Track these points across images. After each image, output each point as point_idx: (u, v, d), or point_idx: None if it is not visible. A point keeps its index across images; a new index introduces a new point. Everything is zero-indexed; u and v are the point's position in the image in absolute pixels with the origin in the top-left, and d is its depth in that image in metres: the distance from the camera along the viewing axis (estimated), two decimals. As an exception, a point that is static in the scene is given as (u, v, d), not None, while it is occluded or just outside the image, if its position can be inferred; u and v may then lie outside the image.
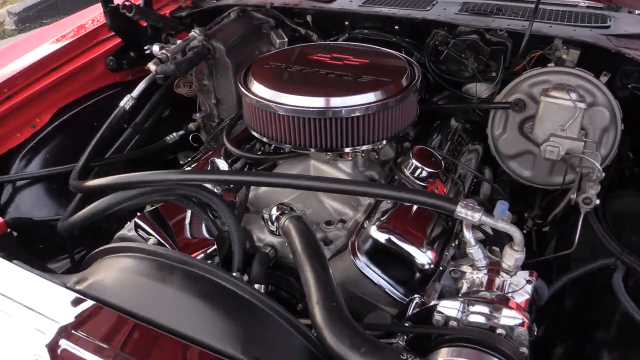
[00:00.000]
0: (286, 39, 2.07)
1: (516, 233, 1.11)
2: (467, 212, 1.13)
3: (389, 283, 1.33)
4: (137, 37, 2.09)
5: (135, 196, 1.38)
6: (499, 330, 1.00)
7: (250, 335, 0.95)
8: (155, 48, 1.98)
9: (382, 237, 1.31)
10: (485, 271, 1.17)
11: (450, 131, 1.79)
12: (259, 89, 1.48)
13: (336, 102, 1.39)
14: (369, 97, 1.40)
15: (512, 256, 1.13)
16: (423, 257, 1.28)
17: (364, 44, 1.81)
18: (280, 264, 1.44)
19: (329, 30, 2.09)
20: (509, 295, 1.10)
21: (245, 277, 1.34)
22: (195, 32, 2.03)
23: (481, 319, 1.02)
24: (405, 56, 1.65)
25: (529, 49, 1.74)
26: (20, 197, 1.73)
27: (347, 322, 0.97)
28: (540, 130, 1.44)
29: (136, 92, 1.91)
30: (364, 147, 1.45)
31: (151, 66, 1.85)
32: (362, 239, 1.35)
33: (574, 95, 1.41)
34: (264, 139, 1.53)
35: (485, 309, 1.04)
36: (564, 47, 1.69)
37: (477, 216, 1.12)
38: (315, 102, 1.40)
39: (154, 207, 1.42)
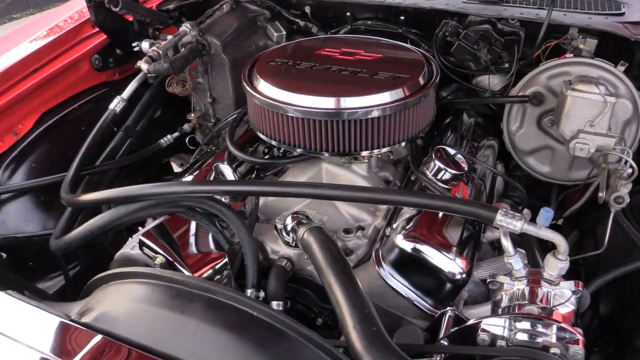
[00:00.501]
0: (284, 32, 1.96)
1: (561, 242, 1.04)
2: (508, 221, 1.05)
3: (416, 295, 1.24)
4: (124, 33, 1.94)
5: (138, 210, 1.27)
6: (553, 350, 0.92)
7: None
8: (145, 45, 1.85)
9: (409, 247, 1.22)
10: (525, 282, 1.09)
11: (463, 127, 1.71)
12: (268, 89, 1.37)
13: (353, 102, 1.29)
14: (388, 97, 1.30)
15: (557, 265, 1.05)
16: (454, 266, 1.20)
17: (371, 36, 1.71)
18: (295, 276, 1.35)
19: (329, 22, 1.98)
20: (554, 308, 1.03)
21: (262, 294, 1.25)
22: (186, 27, 1.90)
23: (532, 338, 0.95)
24: (420, 50, 1.55)
25: (544, 38, 1.66)
26: (5, 212, 1.59)
27: (391, 350, 0.88)
28: (567, 126, 1.36)
29: (127, 93, 1.78)
30: (384, 150, 1.35)
31: (143, 65, 1.71)
32: (386, 248, 1.26)
33: (602, 89, 1.33)
34: (273, 142, 1.42)
35: (535, 326, 0.96)
36: (580, 37, 1.62)
37: (519, 225, 1.05)
38: (330, 102, 1.30)
39: (158, 222, 1.31)
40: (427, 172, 1.36)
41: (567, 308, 1.05)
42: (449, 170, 1.33)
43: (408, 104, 1.31)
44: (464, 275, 1.21)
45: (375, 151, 1.35)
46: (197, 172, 1.49)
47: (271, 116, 1.37)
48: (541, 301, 1.05)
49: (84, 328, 0.92)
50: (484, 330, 0.99)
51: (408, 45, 1.56)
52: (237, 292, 0.93)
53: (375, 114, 1.29)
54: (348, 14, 1.91)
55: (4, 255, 1.35)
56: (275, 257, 1.35)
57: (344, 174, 1.46)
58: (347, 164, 1.45)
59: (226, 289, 0.94)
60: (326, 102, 1.30)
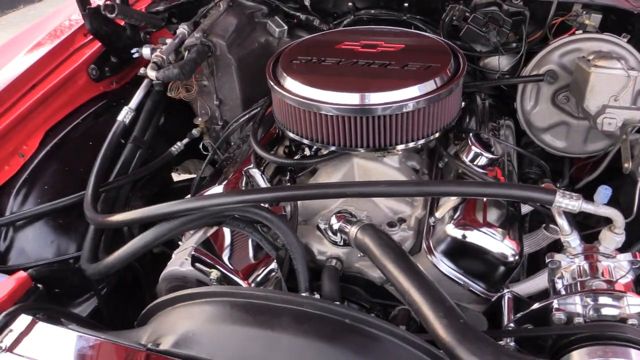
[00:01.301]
0: (285, 27, 1.92)
1: (619, 217, 1.08)
2: (566, 202, 1.08)
3: (471, 280, 1.27)
4: (118, 40, 1.86)
5: (181, 225, 1.24)
6: (630, 321, 0.96)
7: None
8: (146, 51, 1.78)
9: (461, 235, 1.24)
10: (582, 258, 1.13)
11: (480, 110, 1.73)
12: (298, 87, 1.35)
13: (388, 97, 1.28)
14: (422, 89, 1.30)
15: (614, 239, 1.09)
16: (506, 249, 1.23)
17: (382, 26, 1.70)
18: (342, 275, 1.35)
19: (329, 13, 1.96)
20: (617, 280, 1.07)
21: (317, 296, 1.24)
22: (184, 29, 1.84)
23: (609, 311, 0.98)
24: (438, 37, 1.56)
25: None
26: (23, 238, 1.51)
27: (484, 340, 0.89)
28: (592, 102, 1.40)
29: (134, 102, 1.71)
30: (420, 142, 1.36)
31: (150, 72, 1.65)
32: (437, 238, 1.28)
33: (623, 64, 1.38)
34: (305, 141, 1.40)
35: (608, 300, 1.00)
36: (585, 12, 1.66)
37: (577, 204, 1.07)
38: (365, 98, 1.29)
39: (202, 235, 1.27)
40: (465, 159, 1.37)
41: (626, 279, 1.09)
42: (487, 155, 1.34)
43: (442, 95, 1.31)
44: (516, 257, 1.23)
45: (411, 144, 1.35)
46: (226, 180, 1.45)
47: (303, 115, 1.35)
48: (603, 275, 1.08)
49: (167, 356, 0.89)
50: (558, 309, 1.02)
51: (425, 33, 1.56)
52: (324, 301, 0.92)
53: (410, 107, 1.29)
54: (350, 4, 1.89)
55: (41, 286, 1.28)
56: (322, 258, 1.34)
57: (376, 167, 1.45)
58: (379, 158, 1.45)
59: (313, 299, 0.93)
60: (361, 98, 1.29)
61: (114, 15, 1.71)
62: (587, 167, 1.79)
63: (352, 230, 1.21)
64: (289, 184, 1.46)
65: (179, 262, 1.23)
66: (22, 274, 1.22)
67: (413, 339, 0.89)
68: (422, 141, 1.36)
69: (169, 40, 1.81)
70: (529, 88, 1.67)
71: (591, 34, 1.58)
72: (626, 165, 1.40)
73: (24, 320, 0.99)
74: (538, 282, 1.31)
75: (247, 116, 1.82)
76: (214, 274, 1.17)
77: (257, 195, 1.19)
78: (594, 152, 1.67)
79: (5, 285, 1.18)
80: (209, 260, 1.18)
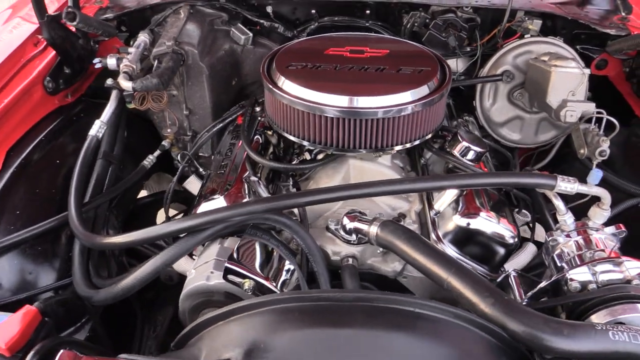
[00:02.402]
0: (250, 34, 1.91)
1: (607, 195, 1.24)
2: (565, 185, 1.22)
3: (476, 264, 1.38)
4: (73, 50, 1.73)
5: (206, 239, 1.21)
6: (635, 282, 1.12)
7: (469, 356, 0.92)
8: (112, 61, 1.68)
9: (467, 224, 1.34)
10: (575, 234, 1.28)
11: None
12: (302, 92, 1.37)
13: (389, 100, 1.35)
14: (421, 92, 1.39)
15: (602, 214, 1.26)
16: (507, 232, 1.35)
17: (353, 32, 1.78)
18: (354, 272, 1.40)
19: (292, 20, 1.99)
20: (612, 249, 1.23)
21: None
22: (144, 37, 1.77)
23: (614, 276, 1.13)
24: (413, 42, 1.66)
25: (496, 22, 1.89)
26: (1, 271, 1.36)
27: (531, 312, 0.99)
28: (554, 97, 1.59)
29: (105, 115, 1.61)
30: (416, 143, 1.44)
31: (124, 83, 1.57)
32: (444, 229, 1.37)
33: (577, 63, 1.58)
34: (304, 143, 1.43)
35: (610, 266, 1.15)
36: (527, 19, 1.86)
37: (575, 186, 1.22)
38: (367, 101, 1.35)
39: (226, 244, 1.24)
40: (455, 153, 1.48)
41: (616, 248, 1.25)
42: (476, 148, 1.47)
43: (435, 99, 1.41)
44: (516, 239, 1.37)
45: (408, 145, 1.44)
46: (227, 191, 1.42)
47: (306, 117, 1.38)
48: (597, 246, 1.24)
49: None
50: (572, 280, 1.15)
51: (401, 39, 1.66)
52: (391, 294, 0.96)
53: (409, 110, 1.37)
54: (313, 11, 1.94)
55: (48, 319, 1.17)
56: (337, 258, 1.38)
57: (371, 167, 1.51)
58: (374, 158, 1.51)
59: (380, 293, 0.96)
60: (363, 102, 1.35)
61: (74, 23, 1.60)
62: (532, 157, 2.02)
63: (372, 228, 1.26)
64: (293, 188, 1.47)
65: (205, 277, 1.19)
66: (29, 308, 1.10)
67: (477, 319, 0.96)
68: (417, 142, 1.45)
69: (131, 50, 1.72)
70: (487, 87, 1.84)
71: (539, 37, 1.78)
72: (582, 151, 1.60)
73: (66, 356, 0.91)
74: (520, 260, 1.46)
75: (220, 125, 1.79)
76: (248, 283, 1.16)
77: (287, 201, 1.19)
78: (544, 142, 1.89)
79: (14, 322, 1.07)
80: (242, 271, 1.16)
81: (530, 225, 1.62)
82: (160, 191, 2.05)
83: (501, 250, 1.37)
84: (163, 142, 1.84)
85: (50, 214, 1.44)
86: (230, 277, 1.16)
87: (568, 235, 1.28)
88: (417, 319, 0.94)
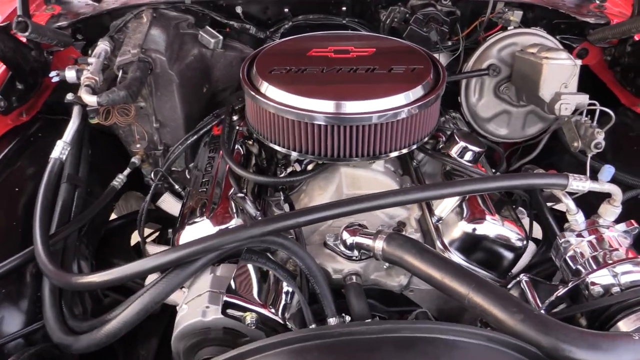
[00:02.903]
0: (220, 37, 1.78)
1: (618, 192, 1.19)
2: (577, 184, 1.16)
3: (484, 271, 1.30)
4: (25, 63, 1.56)
5: (195, 272, 1.08)
6: (659, 283, 1.07)
7: None
8: (71, 74, 1.51)
9: (474, 230, 1.27)
10: (586, 233, 1.23)
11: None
12: (289, 99, 1.26)
13: (388, 103, 1.26)
14: (418, 92, 1.30)
15: (614, 211, 1.21)
16: (515, 236, 1.29)
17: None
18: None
19: (264, 21, 1.87)
20: (625, 248, 1.18)
21: (348, 318, 1.17)
22: (105, 45, 1.62)
23: (637, 277, 1.08)
24: (398, 39, 1.57)
25: (476, 15, 1.83)
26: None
27: (564, 325, 0.92)
28: (546, 90, 1.53)
29: (68, 135, 1.45)
30: (413, 148, 1.36)
31: (88, 98, 1.41)
32: (450, 236, 1.29)
33: (568, 54, 1.54)
34: (293, 153, 1.33)
35: (631, 267, 1.10)
36: (508, 10, 1.81)
37: (587, 185, 1.17)
38: (362, 106, 1.25)
39: (220, 277, 1.12)
40: (453, 155, 1.40)
41: (629, 245, 1.21)
42: (475, 148, 1.40)
43: (432, 100, 1.32)
44: (524, 242, 1.30)
45: (405, 150, 1.35)
46: (212, 211, 1.30)
47: (294, 126, 1.27)
48: (611, 245, 1.19)
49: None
50: (594, 284, 1.09)
51: (386, 36, 1.57)
52: (420, 322, 0.87)
53: (405, 114, 1.28)
54: (286, 10, 1.82)
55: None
56: (339, 276, 1.28)
57: (364, 174, 1.42)
58: (368, 164, 1.42)
59: (408, 323, 0.87)
60: (356, 107, 1.25)
61: (26, 34, 1.43)
62: (518, 151, 1.97)
63: (378, 243, 1.17)
64: (285, 203, 1.36)
65: (199, 313, 1.07)
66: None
67: (511, 341, 0.88)
68: (414, 146, 1.36)
69: (91, 60, 1.56)
70: (472, 82, 1.77)
71: (523, 29, 1.73)
72: (575, 144, 1.56)
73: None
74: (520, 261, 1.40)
75: (195, 137, 1.66)
76: (249, 317, 1.04)
77: (288, 221, 1.07)
78: (532, 135, 1.84)
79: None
80: (242, 304, 1.04)
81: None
82: (131, 212, 1.89)
83: (510, 255, 1.30)
84: (133, 159, 1.69)
85: (12, 249, 1.28)
86: (230, 311, 1.03)
87: (580, 235, 1.23)
88: (451, 347, 0.85)
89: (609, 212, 1.21)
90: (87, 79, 1.46)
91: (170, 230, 1.76)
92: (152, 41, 1.62)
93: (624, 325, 1.03)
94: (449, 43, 1.83)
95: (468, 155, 1.41)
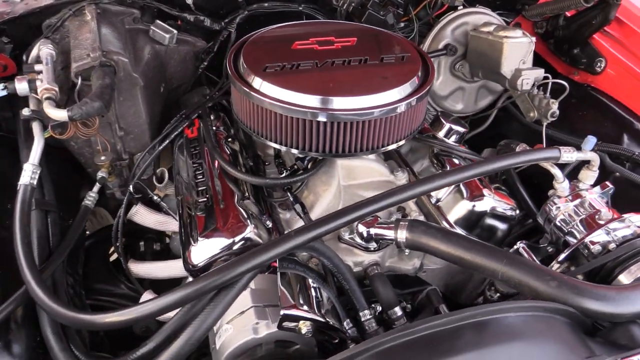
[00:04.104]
0: (175, 32, 1.65)
1: (597, 157, 1.33)
2: (567, 155, 1.28)
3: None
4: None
5: (239, 293, 1.03)
6: (642, 235, 1.23)
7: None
8: (22, 86, 1.32)
9: (476, 207, 1.35)
10: (571, 198, 1.36)
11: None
12: (294, 97, 1.23)
13: (384, 98, 1.27)
14: (414, 83, 1.33)
15: (593, 176, 1.35)
16: (509, 207, 1.39)
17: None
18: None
19: (215, 11, 1.76)
20: (606, 208, 1.33)
21: (379, 308, 1.21)
22: (49, 49, 1.44)
23: (626, 232, 1.23)
24: (373, 26, 1.58)
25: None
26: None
27: (595, 286, 1.02)
28: (507, 67, 1.64)
29: (35, 156, 1.29)
30: (410, 137, 1.39)
31: (55, 112, 1.26)
32: (455, 215, 1.36)
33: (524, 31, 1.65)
34: (293, 151, 1.30)
35: (619, 224, 1.25)
36: (453, -11, 1.89)
37: (574, 155, 1.29)
38: (363, 102, 1.25)
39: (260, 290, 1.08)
40: (441, 137, 1.47)
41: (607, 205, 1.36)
42: (459, 129, 1.47)
43: (428, 91, 1.36)
44: (516, 211, 1.41)
45: (403, 141, 1.37)
46: (215, 222, 1.24)
47: (297, 124, 1.24)
48: (593, 207, 1.33)
49: None
50: (593, 243, 1.23)
51: (363, 24, 1.57)
52: (490, 306, 0.92)
53: (403, 108, 1.30)
54: (240, -1, 1.74)
55: None
56: (359, 268, 1.30)
57: (359, 164, 1.42)
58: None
59: (476, 309, 0.91)
60: (359, 102, 1.25)
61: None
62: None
63: (400, 232, 1.20)
64: (297, 204, 1.33)
65: (250, 330, 1.04)
66: None
67: (560, 308, 0.96)
68: (411, 136, 1.39)
69: (40, 67, 1.38)
70: (431, 62, 1.84)
71: (472, 8, 1.82)
72: (531, 114, 1.71)
73: None
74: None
75: (166, 142, 1.55)
76: (304, 327, 1.02)
77: (328, 225, 1.05)
78: (483, 107, 1.97)
79: None
80: (301, 314, 1.02)
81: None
82: (100, 229, 1.73)
83: (505, 226, 1.41)
84: (100, 173, 1.52)
85: None
86: (289, 324, 1.01)
87: (566, 200, 1.36)
88: (517, 322, 0.92)
89: (589, 176, 1.36)
90: (47, 91, 1.29)
91: (142, 244, 1.67)
92: (107, 42, 1.46)
93: (625, 277, 1.17)
94: (401, 25, 1.88)
95: (454, 137, 1.48)
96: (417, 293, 1.39)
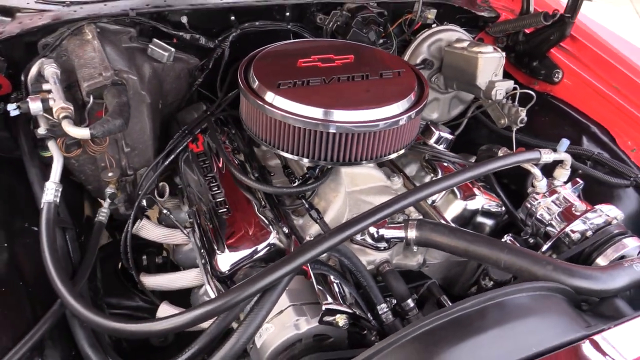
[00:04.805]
0: (173, 50, 1.71)
1: (568, 157, 1.52)
2: (545, 157, 1.46)
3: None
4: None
5: (280, 295, 1.11)
6: (614, 222, 1.41)
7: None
8: (36, 105, 1.34)
9: (468, 205, 1.50)
10: (547, 193, 1.55)
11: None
12: (307, 110, 1.33)
13: (392, 110, 1.40)
14: (414, 96, 1.47)
15: (566, 174, 1.54)
16: (495, 204, 1.56)
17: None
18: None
19: (210, 29, 1.83)
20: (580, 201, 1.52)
21: (394, 301, 1.33)
22: (52, 68, 1.47)
23: (599, 220, 1.42)
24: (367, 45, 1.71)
25: (397, 15, 2.05)
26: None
27: (585, 267, 1.19)
28: (482, 79, 1.81)
29: (56, 174, 1.31)
30: (408, 147, 1.52)
31: (77, 131, 1.29)
32: (451, 213, 1.51)
33: (496, 47, 1.84)
34: (305, 160, 1.40)
35: (593, 214, 1.43)
36: (425, 9, 2.07)
37: (552, 156, 1.47)
38: (372, 114, 1.37)
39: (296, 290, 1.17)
40: (432, 144, 1.61)
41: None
42: (448, 135, 1.62)
43: (424, 105, 1.49)
44: (501, 208, 1.57)
45: (402, 151, 1.50)
46: (239, 231, 1.31)
47: (308, 135, 1.35)
48: (569, 201, 1.52)
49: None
50: (573, 232, 1.41)
51: (349, 41, 1.69)
52: (508, 287, 1.06)
53: (404, 120, 1.43)
54: (232, 17, 1.82)
55: None
56: (372, 267, 1.41)
57: (360, 171, 1.54)
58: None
59: (492, 292, 1.05)
60: (366, 115, 1.37)
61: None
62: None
63: (410, 231, 1.33)
64: (313, 210, 1.42)
65: (292, 327, 1.12)
66: None
67: (560, 287, 1.12)
68: (409, 145, 1.53)
69: (48, 86, 1.41)
70: (409, 76, 2.00)
71: (444, 26, 2.00)
72: (502, 121, 1.89)
73: None
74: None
75: (172, 156, 1.61)
76: (342, 319, 1.12)
77: (356, 227, 1.15)
78: (455, 116, 2.15)
79: None
80: (339, 308, 1.11)
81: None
82: (104, 244, 1.74)
83: (492, 221, 1.57)
84: (108, 189, 1.55)
85: (22, 314, 1.14)
86: (328, 318, 1.10)
87: (544, 196, 1.54)
88: (529, 300, 1.07)
89: (563, 174, 1.54)
90: (63, 110, 1.31)
91: (144, 257, 1.70)
92: (113, 60, 1.50)
93: (602, 260, 1.35)
94: (380, 41, 2.03)
95: (444, 143, 1.64)
96: (419, 287, 1.52)
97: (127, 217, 1.64)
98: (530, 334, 1.01)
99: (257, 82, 1.41)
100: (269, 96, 1.37)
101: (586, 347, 1.01)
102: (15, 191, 1.41)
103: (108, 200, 1.53)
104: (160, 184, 1.67)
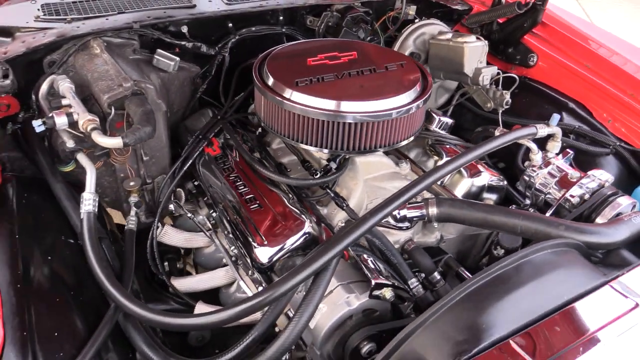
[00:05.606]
0: (178, 59, 1.75)
1: (559, 130, 1.67)
2: (542, 131, 1.60)
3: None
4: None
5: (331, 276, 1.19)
6: (606, 184, 1.57)
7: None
8: (62, 120, 1.37)
9: (478, 181, 1.62)
10: (542, 165, 1.69)
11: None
12: (326, 104, 1.42)
13: (400, 100, 1.50)
14: (420, 86, 1.57)
15: (557, 146, 1.69)
16: (497, 179, 1.68)
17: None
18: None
19: (208, 37, 1.88)
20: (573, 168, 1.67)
21: (422, 275, 1.43)
22: (67, 83, 1.50)
23: (593, 184, 1.56)
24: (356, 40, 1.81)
25: (380, 13, 2.17)
26: None
27: (592, 225, 1.33)
28: (468, 67, 1.94)
29: (91, 185, 1.34)
30: (417, 134, 1.62)
31: (108, 140, 1.32)
32: (461, 191, 1.62)
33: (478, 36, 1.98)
34: (324, 151, 1.49)
35: (587, 180, 1.58)
36: (407, 5, 2.19)
37: (546, 130, 1.61)
38: (386, 104, 1.47)
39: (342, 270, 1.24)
40: (435, 129, 1.73)
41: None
42: (449, 121, 1.74)
43: (430, 95, 1.60)
44: (502, 182, 1.70)
45: (412, 137, 1.61)
46: (275, 224, 1.38)
47: (327, 126, 1.44)
48: (563, 170, 1.67)
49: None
50: (572, 196, 1.55)
51: (352, 40, 1.79)
52: (532, 247, 1.18)
53: (414, 109, 1.53)
54: (230, 24, 1.88)
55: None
56: (397, 245, 1.50)
57: (372, 159, 1.64)
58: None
59: (525, 251, 1.16)
60: (381, 105, 1.47)
61: None
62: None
63: (431, 210, 1.43)
64: (337, 198, 1.50)
65: (344, 305, 1.20)
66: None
67: (576, 243, 1.25)
68: (417, 132, 1.63)
69: (67, 101, 1.44)
70: (398, 69, 2.11)
71: (426, 20, 2.13)
72: (488, 105, 2.04)
73: None
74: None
75: (189, 162, 1.66)
76: (388, 292, 1.21)
77: (387, 209, 1.24)
78: (441, 104, 2.28)
79: None
80: (387, 282, 1.20)
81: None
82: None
83: (496, 196, 1.70)
84: (132, 198, 1.58)
85: (78, 328, 1.17)
86: (375, 292, 1.19)
87: (541, 167, 1.68)
88: (554, 256, 1.19)
89: (555, 146, 1.69)
90: (90, 122, 1.35)
91: (166, 264, 1.74)
92: (126, 71, 1.54)
93: (601, 219, 1.50)
94: (368, 38, 2.14)
95: (445, 128, 1.75)
96: (437, 262, 1.63)
97: (146, 225, 1.67)
98: (560, 284, 1.13)
99: (273, 81, 1.48)
100: (288, 93, 1.45)
101: (608, 291, 1.14)
102: (40, 208, 1.42)
103: (134, 209, 1.56)
104: (178, 190, 1.71)
